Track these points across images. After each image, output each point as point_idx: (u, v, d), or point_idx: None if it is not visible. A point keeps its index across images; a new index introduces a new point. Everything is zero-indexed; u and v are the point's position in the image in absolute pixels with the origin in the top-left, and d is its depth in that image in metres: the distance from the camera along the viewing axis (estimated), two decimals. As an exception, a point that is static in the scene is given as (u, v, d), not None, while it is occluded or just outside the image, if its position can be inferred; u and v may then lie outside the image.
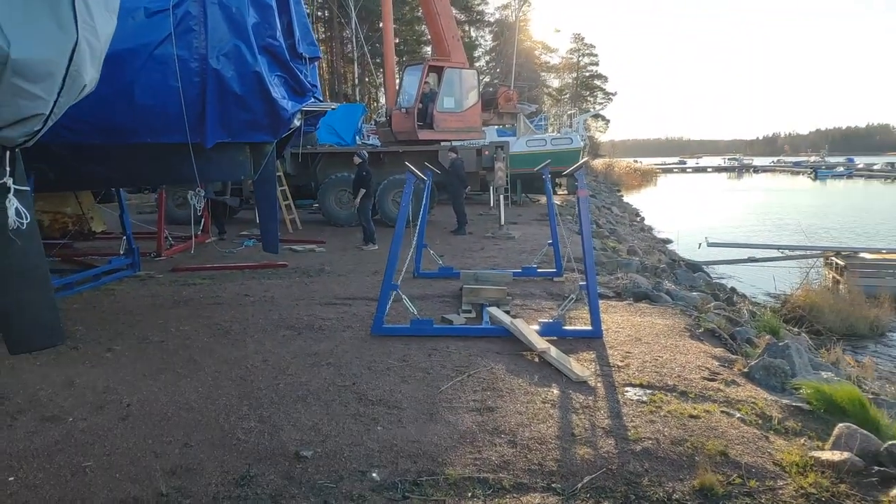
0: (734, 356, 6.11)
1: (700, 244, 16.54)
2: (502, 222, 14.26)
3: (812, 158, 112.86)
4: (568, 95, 67.29)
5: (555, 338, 6.16)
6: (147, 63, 5.98)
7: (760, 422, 4.55)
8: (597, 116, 65.95)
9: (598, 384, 5.14)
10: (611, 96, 70.71)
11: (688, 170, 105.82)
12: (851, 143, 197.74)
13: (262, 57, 7.00)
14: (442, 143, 16.63)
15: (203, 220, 13.35)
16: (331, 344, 6.22)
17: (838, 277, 14.71)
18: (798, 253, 16.36)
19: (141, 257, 10.24)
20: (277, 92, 7.66)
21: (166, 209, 12.61)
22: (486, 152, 15.82)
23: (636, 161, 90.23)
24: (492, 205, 18.28)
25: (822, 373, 6.06)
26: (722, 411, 4.67)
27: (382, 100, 39.50)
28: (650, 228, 26.63)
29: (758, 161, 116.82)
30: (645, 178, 69.99)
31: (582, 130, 23.89)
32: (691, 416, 4.51)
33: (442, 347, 6.06)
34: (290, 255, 11.78)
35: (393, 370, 5.47)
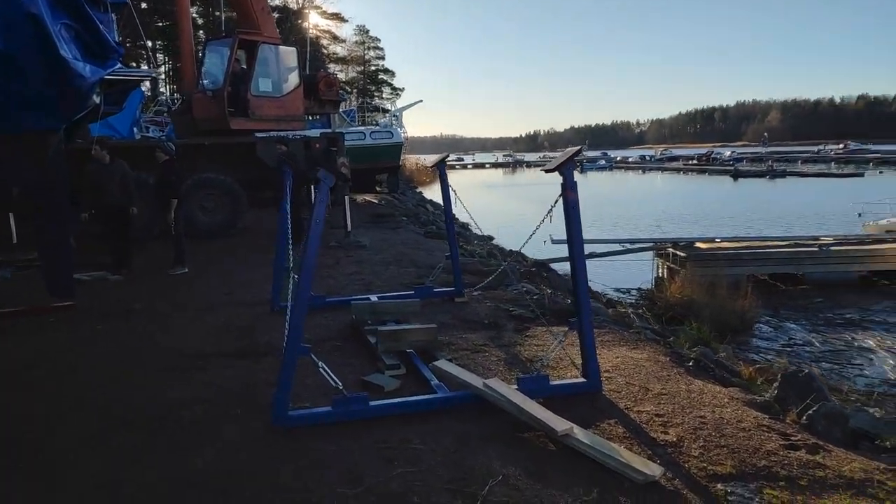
0: (757, 397, 4.78)
1: (545, 241, 15.74)
2: (349, 228, 12.04)
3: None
4: (356, 89, 65.48)
5: (541, 399, 4.31)
6: None
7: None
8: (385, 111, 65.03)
9: (675, 483, 3.40)
10: (399, 91, 70.19)
11: (468, 166, 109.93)
12: (600, 139, 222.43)
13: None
14: (257, 135, 13.87)
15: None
16: (211, 456, 3.73)
17: (677, 268, 14.74)
18: (637, 246, 16.31)
19: None
20: (68, 50, 4.92)
21: None
22: (318, 146, 13.41)
23: (421, 158, 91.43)
24: (330, 207, 15.86)
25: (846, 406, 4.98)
26: (867, 509, 3.20)
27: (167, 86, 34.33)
28: (467, 225, 25.89)
29: (528, 157, 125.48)
30: (434, 174, 70.86)
31: (401, 124, 22.26)
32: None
33: (398, 441, 3.89)
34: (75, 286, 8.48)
35: (350, 506, 3.22)
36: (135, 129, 17.78)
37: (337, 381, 4.20)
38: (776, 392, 4.94)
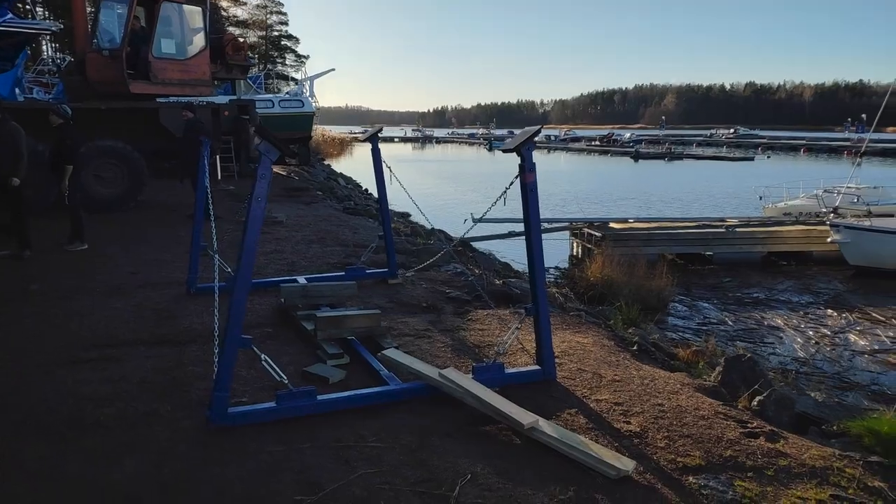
0: (705, 381, 4.80)
1: (465, 220, 15.62)
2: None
3: (481, 131, 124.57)
4: (257, 55, 62.72)
5: (496, 388, 4.12)
6: None
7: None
8: (290, 79, 62.77)
9: (647, 477, 3.30)
10: (303, 59, 67.87)
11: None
12: (506, 117, 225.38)
13: None
14: (159, 100, 12.86)
15: None
16: (138, 464, 3.28)
17: (592, 248, 15.02)
18: (554, 226, 16.48)
19: None
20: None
21: None
22: (227, 113, 12.57)
23: (326, 129, 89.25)
24: (236, 179, 15.04)
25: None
26: (833, 496, 3.22)
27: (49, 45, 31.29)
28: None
29: (437, 132, 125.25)
30: (341, 146, 69.36)
31: (311, 93, 21.36)
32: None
33: (353, 439, 3.58)
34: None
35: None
36: (17, 91, 16.06)
37: (281, 374, 3.83)
38: (720, 376, 4.99)
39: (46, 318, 5.68)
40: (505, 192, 4.60)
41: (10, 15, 4.96)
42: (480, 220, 14.65)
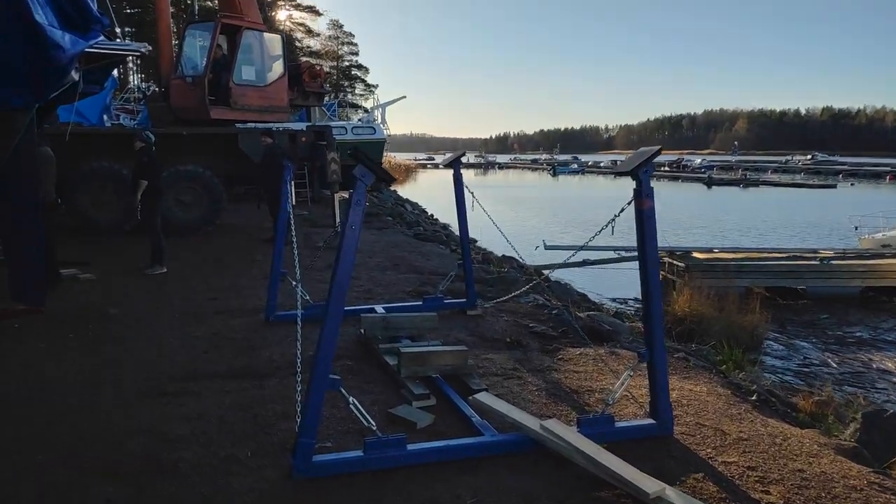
0: (843, 441, 4.19)
1: (537, 247, 15.15)
2: (339, 228, 11.23)
3: (544, 156, 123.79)
4: (329, 85, 64.28)
5: (605, 444, 3.64)
6: None
7: None
8: (359, 107, 64.07)
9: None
10: (372, 88, 69.14)
11: (440, 166, 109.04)
12: (569, 143, 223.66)
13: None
14: (238, 126, 12.98)
15: None
16: (220, 520, 2.98)
17: (674, 279, 14.27)
18: (632, 255, 15.76)
19: None
20: (43, 15, 4.11)
21: None
22: (305, 139, 12.57)
23: (392, 156, 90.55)
24: (309, 204, 15.07)
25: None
26: None
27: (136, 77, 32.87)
28: (447, 226, 25.15)
29: (500, 158, 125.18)
30: (407, 173, 70.19)
31: (383, 120, 21.44)
32: None
33: (447, 498, 3.18)
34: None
35: None
36: (105, 117, 16.67)
37: (370, 420, 3.48)
38: (857, 434, 4.37)
39: (124, 346, 5.54)
40: (614, 219, 4.17)
41: (101, 38, 4.87)
42: (550, 248, 14.06)
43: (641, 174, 3.77)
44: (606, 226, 4.26)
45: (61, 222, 8.96)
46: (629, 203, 3.92)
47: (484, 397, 4.11)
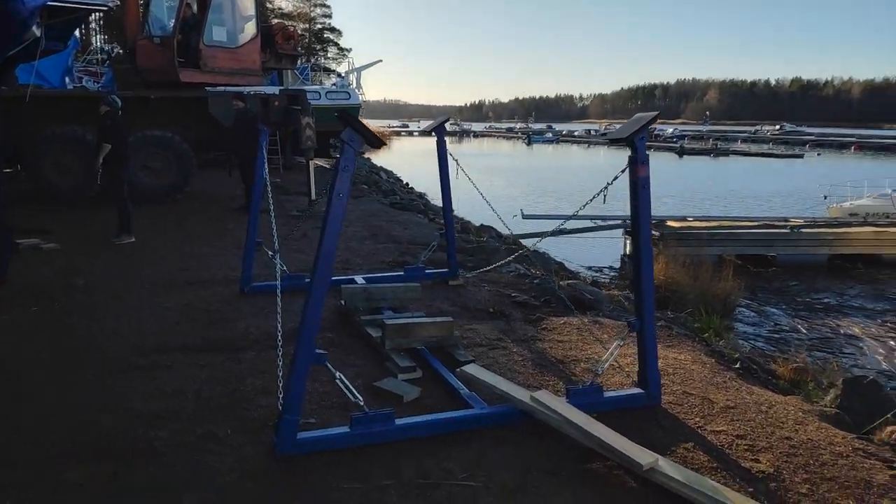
0: (826, 408, 4.20)
1: (514, 216, 15.06)
2: (313, 196, 11.00)
3: (519, 125, 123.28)
4: (302, 48, 62.83)
5: (594, 414, 3.59)
6: None
7: None
8: (332, 71, 62.79)
9: (798, 537, 2.75)
10: (345, 52, 67.69)
11: (414, 133, 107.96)
12: (544, 112, 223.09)
13: None
14: (208, 89, 12.54)
15: None
16: (203, 502, 2.85)
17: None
18: (609, 223, 15.79)
19: None
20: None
21: None
22: (277, 103, 12.19)
23: (365, 123, 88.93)
24: (281, 171, 14.73)
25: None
26: None
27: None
28: (423, 195, 24.87)
29: (475, 126, 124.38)
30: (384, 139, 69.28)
31: (358, 85, 20.93)
32: None
33: (437, 474, 3.10)
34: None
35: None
36: (67, 79, 16.01)
37: (357, 395, 3.37)
38: (839, 401, 4.39)
39: (94, 318, 5.33)
40: (606, 187, 4.06)
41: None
42: (528, 217, 13.95)
43: (637, 141, 3.66)
44: (599, 194, 4.15)
45: (20, 189, 8.58)
46: (623, 171, 3.81)
47: (472, 369, 4.03)
